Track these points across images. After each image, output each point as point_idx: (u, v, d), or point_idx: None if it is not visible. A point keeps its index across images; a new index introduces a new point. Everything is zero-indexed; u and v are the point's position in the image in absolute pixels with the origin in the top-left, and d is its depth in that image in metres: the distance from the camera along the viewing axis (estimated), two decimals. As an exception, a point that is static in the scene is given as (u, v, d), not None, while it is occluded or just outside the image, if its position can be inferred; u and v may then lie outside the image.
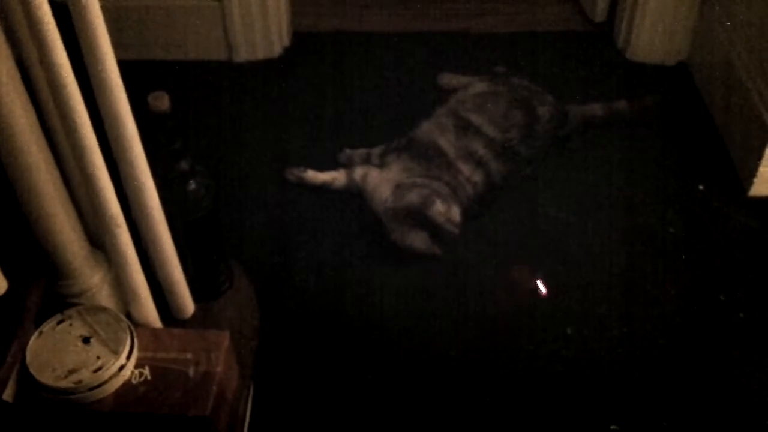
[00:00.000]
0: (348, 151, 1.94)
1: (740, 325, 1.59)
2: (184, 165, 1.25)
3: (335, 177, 1.87)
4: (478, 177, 1.78)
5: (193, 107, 2.06)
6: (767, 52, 1.80)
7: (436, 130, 1.85)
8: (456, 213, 1.72)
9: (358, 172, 1.85)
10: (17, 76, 1.03)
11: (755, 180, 1.82)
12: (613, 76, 2.21)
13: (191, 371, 1.18)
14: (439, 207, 1.67)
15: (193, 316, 1.39)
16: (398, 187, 1.73)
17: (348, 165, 1.90)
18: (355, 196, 1.85)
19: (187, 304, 1.36)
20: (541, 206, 1.83)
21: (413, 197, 1.69)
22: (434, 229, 1.69)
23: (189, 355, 1.20)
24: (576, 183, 1.89)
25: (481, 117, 1.85)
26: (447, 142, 1.81)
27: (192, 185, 1.28)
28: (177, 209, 1.27)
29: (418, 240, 1.70)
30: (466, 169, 1.78)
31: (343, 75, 2.23)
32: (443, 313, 1.64)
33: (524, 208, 1.84)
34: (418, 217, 1.67)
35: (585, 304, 1.63)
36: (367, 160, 1.89)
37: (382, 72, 2.23)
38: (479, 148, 1.80)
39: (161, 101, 1.17)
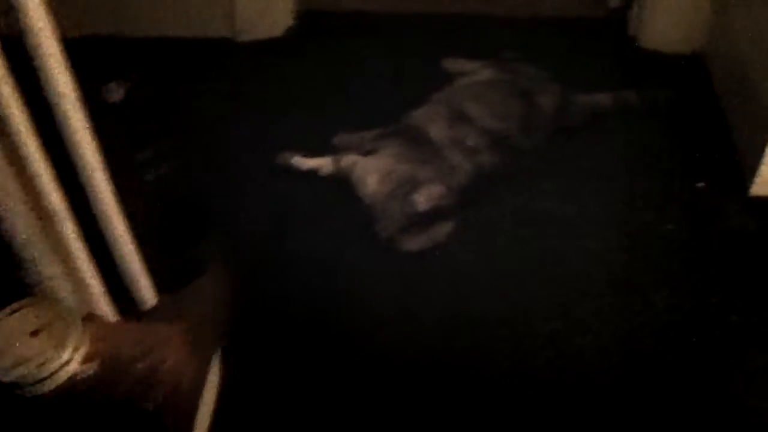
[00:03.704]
0: (342, 134, 1.90)
1: (733, 329, 1.53)
2: (145, 154, 1.22)
3: (323, 164, 1.83)
4: (467, 166, 1.73)
5: (188, 86, 2.04)
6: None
7: (428, 118, 1.80)
8: (439, 190, 1.67)
9: (347, 159, 1.81)
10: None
11: (756, 180, 1.75)
12: (625, 65, 2.15)
13: (140, 366, 1.16)
14: (420, 197, 1.63)
15: (158, 306, 1.36)
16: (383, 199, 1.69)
17: (342, 149, 1.86)
18: (344, 184, 1.80)
19: (148, 294, 1.34)
20: (539, 199, 1.78)
21: (394, 208, 1.66)
22: (425, 220, 1.65)
23: (139, 350, 1.18)
24: (576, 175, 1.83)
25: (478, 106, 1.80)
26: (438, 130, 1.77)
27: (154, 174, 1.25)
28: (137, 199, 1.24)
29: (411, 243, 1.65)
30: (455, 157, 1.73)
31: (345, 57, 2.19)
32: (432, 308, 1.60)
33: (521, 200, 1.78)
34: (406, 219, 1.63)
35: (578, 299, 1.59)
36: (359, 146, 1.85)
37: (385, 54, 2.19)
38: (471, 138, 1.75)
39: (115, 91, 1.14)
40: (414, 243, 1.65)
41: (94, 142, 1.13)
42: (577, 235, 1.71)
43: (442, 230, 1.66)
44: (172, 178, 1.51)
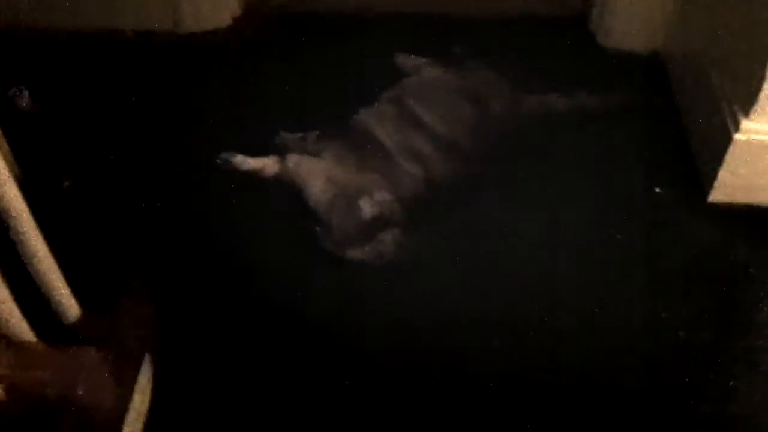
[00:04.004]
0: (284, 134, 1.82)
1: (679, 346, 1.48)
2: (54, 165, 1.14)
3: (266, 164, 1.75)
4: (416, 171, 1.66)
5: (126, 82, 1.95)
6: (735, 52, 1.67)
7: (375, 119, 1.74)
8: (385, 197, 1.62)
9: (292, 159, 1.74)
10: None
11: (715, 185, 1.69)
12: (583, 65, 2.08)
13: (49, 393, 1.08)
14: (365, 204, 1.57)
15: (79, 324, 1.28)
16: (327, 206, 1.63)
17: (282, 150, 1.78)
18: (288, 186, 1.73)
19: (69, 308, 1.26)
20: (488, 208, 1.71)
21: (339, 216, 1.60)
22: (370, 229, 1.58)
23: (50, 375, 1.11)
24: (526, 183, 1.76)
25: (427, 108, 1.74)
26: (385, 133, 1.70)
27: (66, 184, 1.17)
28: (49, 211, 1.16)
29: (356, 252, 1.59)
30: (404, 162, 1.67)
31: (291, 51, 2.11)
32: (376, 320, 1.53)
33: (470, 209, 1.70)
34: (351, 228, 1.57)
35: (523, 315, 1.53)
36: (302, 146, 1.77)
37: (334, 50, 2.10)
38: (420, 142, 1.69)
39: (21, 99, 1.06)
40: (359, 252, 1.58)
41: (2, 151, 1.05)
42: (525, 246, 1.65)
43: (388, 239, 1.59)
44: (94, 187, 1.43)
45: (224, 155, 1.77)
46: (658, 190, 1.75)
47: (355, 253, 1.60)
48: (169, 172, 1.79)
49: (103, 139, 1.78)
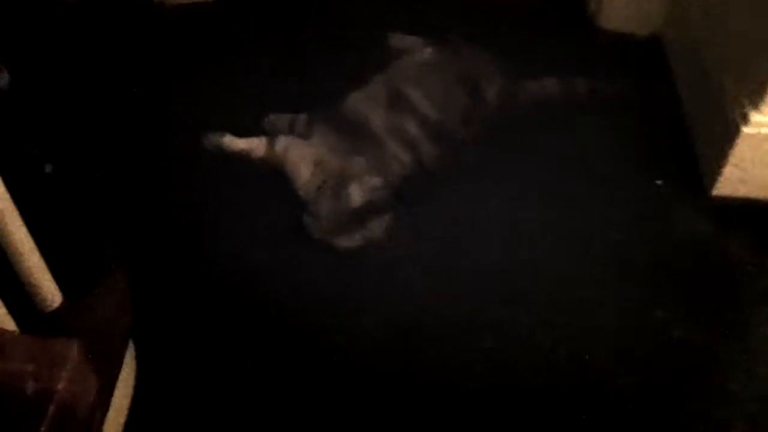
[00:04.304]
0: (272, 116, 1.77)
1: (673, 346, 1.45)
2: (33, 147, 1.09)
3: (255, 145, 1.70)
4: (406, 157, 1.62)
5: (110, 56, 1.88)
6: (742, 42, 1.62)
7: (366, 102, 1.69)
8: (375, 183, 1.58)
9: (281, 142, 1.69)
10: None
11: (719, 179, 1.65)
12: (582, 49, 2.02)
13: (29, 387, 1.04)
14: (354, 191, 1.53)
15: (61, 311, 1.24)
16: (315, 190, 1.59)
17: (271, 132, 1.73)
18: (274, 169, 1.68)
19: (50, 294, 1.22)
20: (477, 198, 1.67)
21: (327, 202, 1.56)
22: (359, 216, 1.54)
23: (30, 368, 1.06)
24: (519, 173, 1.71)
25: (419, 91, 1.69)
26: (376, 116, 1.66)
27: (48, 168, 1.12)
28: (29, 195, 1.11)
29: (345, 240, 1.55)
30: (394, 147, 1.63)
31: (282, 28, 2.05)
32: (365, 309, 1.50)
33: (462, 199, 1.67)
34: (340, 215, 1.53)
35: (512, 312, 1.49)
36: (291, 129, 1.72)
37: (326, 28, 2.04)
38: (411, 127, 1.65)
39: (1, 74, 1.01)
40: (348, 240, 1.54)
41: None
42: (515, 239, 1.61)
43: (377, 227, 1.54)
44: (76, 168, 1.38)
45: (212, 135, 1.72)
46: (658, 182, 1.71)
47: (343, 242, 1.56)
48: (154, 153, 1.74)
49: (84, 119, 1.73)
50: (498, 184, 1.69)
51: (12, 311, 1.16)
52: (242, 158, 1.70)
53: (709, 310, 1.49)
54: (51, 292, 1.23)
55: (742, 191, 1.66)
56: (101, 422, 1.18)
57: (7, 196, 1.08)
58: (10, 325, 1.15)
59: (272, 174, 1.67)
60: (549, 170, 1.72)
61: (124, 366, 1.27)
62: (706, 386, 1.39)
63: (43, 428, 1.01)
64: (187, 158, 1.73)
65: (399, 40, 1.95)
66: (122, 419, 1.27)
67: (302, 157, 1.64)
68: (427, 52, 1.82)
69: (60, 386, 1.04)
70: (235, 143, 1.71)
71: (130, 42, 2.00)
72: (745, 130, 1.57)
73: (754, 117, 1.57)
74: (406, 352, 1.44)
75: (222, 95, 1.86)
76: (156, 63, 1.94)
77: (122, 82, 1.88)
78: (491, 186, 1.68)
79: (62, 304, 1.25)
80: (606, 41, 2.04)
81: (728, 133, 1.60)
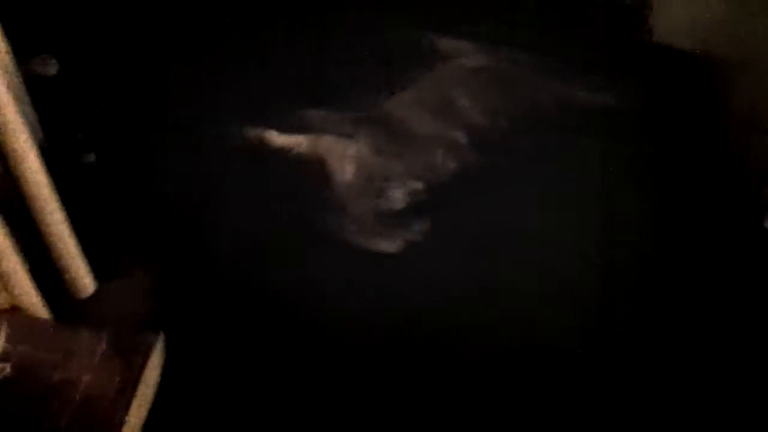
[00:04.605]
0: (319, 112, 1.76)
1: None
2: (76, 135, 1.10)
3: (298, 142, 1.70)
4: (450, 163, 1.61)
5: (149, 45, 1.88)
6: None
7: (412, 104, 1.68)
8: (416, 187, 1.59)
9: (324, 141, 1.69)
10: None
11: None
12: (634, 61, 1.97)
13: (55, 376, 1.05)
14: (396, 194, 1.53)
15: (92, 300, 1.26)
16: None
17: (317, 129, 1.73)
18: (319, 167, 1.67)
19: (85, 282, 1.23)
20: (518, 207, 1.63)
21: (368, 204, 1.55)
22: (399, 219, 1.54)
23: (58, 356, 1.09)
24: (562, 184, 1.67)
25: (466, 97, 1.69)
26: (421, 120, 1.65)
27: (91, 157, 1.14)
28: (69, 182, 1.13)
29: (383, 243, 1.55)
30: (438, 152, 1.61)
31: (327, 23, 2.01)
32: (398, 311, 1.48)
33: (499, 206, 1.63)
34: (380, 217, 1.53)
35: (542, 321, 1.47)
36: (338, 127, 1.72)
37: (369, 26, 1.98)
38: (457, 133, 1.63)
39: (46, 65, 1.02)
40: (387, 243, 1.54)
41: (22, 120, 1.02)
42: (552, 251, 1.58)
43: (417, 231, 1.54)
44: (113, 160, 1.37)
45: (252, 129, 1.72)
46: (689, 198, 1.66)
47: (381, 244, 1.55)
48: (192, 145, 1.73)
49: (124, 107, 1.71)
50: (538, 192, 1.66)
51: (46, 298, 1.18)
52: (283, 154, 1.70)
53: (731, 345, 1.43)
54: (85, 280, 1.24)
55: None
56: (125, 411, 1.19)
57: (49, 182, 1.09)
58: (43, 313, 1.16)
59: (311, 171, 1.66)
60: (590, 181, 1.69)
61: (151, 356, 1.28)
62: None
63: (66, 416, 1.02)
64: (224, 152, 1.72)
65: (445, 43, 1.93)
66: (144, 411, 1.28)
67: (346, 156, 1.64)
68: (478, 56, 1.81)
69: (86, 377, 1.05)
70: (277, 139, 1.71)
71: (166, 34, 1.97)
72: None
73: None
74: (431, 350, 1.44)
75: (257, 88, 1.84)
76: (193, 57, 1.91)
77: (161, 70, 1.86)
78: (530, 194, 1.66)
79: (95, 292, 1.26)
80: (660, 55, 1.99)
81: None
